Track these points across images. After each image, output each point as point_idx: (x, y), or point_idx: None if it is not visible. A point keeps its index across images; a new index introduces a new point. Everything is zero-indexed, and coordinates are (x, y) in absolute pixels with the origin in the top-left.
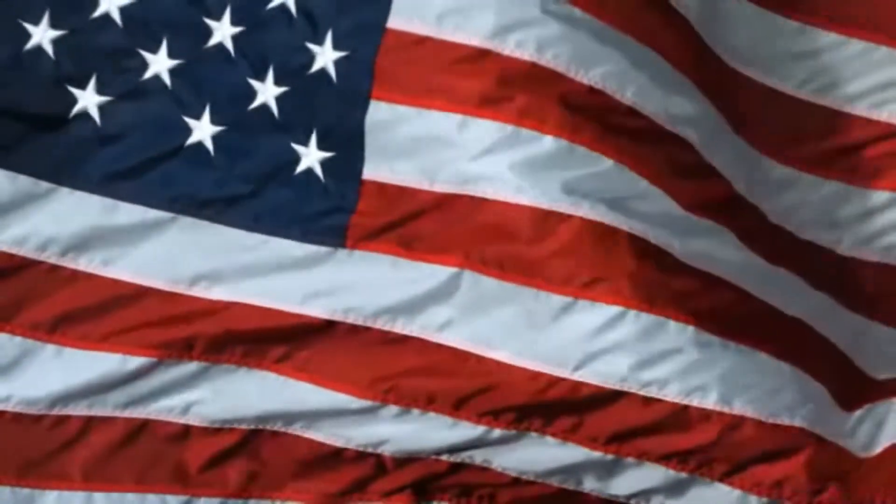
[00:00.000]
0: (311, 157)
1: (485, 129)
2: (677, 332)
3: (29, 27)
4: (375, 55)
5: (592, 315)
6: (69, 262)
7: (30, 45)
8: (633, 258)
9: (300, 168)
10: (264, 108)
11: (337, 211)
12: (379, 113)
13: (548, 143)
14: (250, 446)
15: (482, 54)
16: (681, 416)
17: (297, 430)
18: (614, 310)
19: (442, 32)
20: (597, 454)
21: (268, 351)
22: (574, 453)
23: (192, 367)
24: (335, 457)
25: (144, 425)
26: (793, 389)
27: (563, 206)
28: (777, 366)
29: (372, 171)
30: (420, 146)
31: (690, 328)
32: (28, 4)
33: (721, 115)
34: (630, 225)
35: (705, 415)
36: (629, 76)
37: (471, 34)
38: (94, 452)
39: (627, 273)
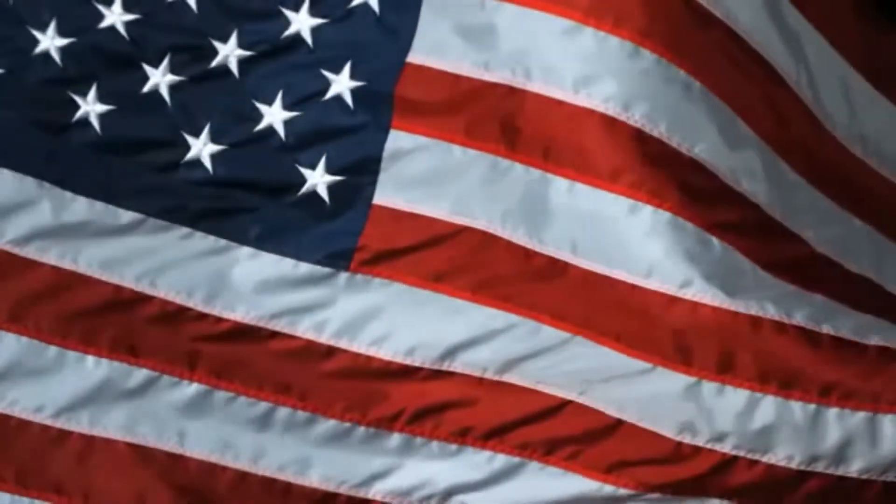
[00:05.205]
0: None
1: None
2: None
3: (36, 34)
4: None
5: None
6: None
7: (38, 50)
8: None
9: (304, 190)
10: (270, 130)
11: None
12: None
13: None
14: None
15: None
16: None
17: None
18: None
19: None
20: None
21: None
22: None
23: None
24: None
25: None
26: None
27: None
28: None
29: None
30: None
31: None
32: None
33: (788, 164)
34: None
35: None
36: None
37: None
38: None
39: None
